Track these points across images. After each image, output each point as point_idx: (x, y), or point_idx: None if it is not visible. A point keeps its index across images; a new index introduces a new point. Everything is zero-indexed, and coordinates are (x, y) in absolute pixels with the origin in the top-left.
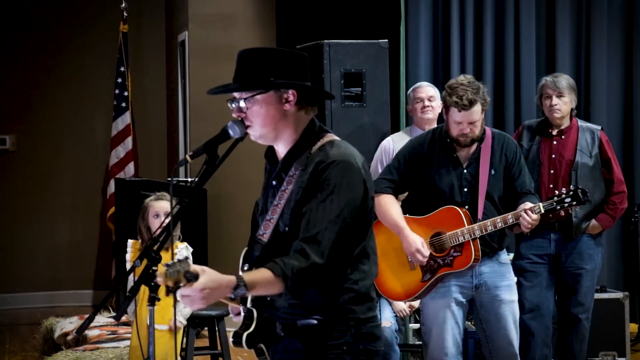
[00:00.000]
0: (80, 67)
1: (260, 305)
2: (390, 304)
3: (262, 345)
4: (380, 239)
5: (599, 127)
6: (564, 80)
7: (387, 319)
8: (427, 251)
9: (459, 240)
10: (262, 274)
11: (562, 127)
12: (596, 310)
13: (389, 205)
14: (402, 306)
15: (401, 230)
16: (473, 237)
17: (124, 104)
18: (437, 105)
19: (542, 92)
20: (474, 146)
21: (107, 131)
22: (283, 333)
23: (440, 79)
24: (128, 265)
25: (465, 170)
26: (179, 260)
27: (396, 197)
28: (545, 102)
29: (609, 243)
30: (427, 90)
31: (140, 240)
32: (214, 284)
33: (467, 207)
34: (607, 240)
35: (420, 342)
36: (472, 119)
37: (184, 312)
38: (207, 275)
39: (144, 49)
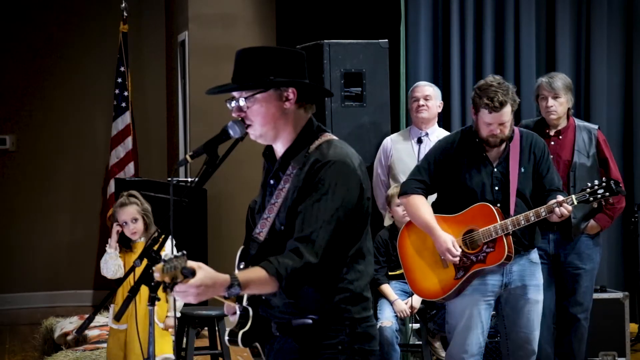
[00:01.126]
0: (80, 67)
1: (256, 304)
2: (391, 304)
3: (257, 344)
4: (413, 238)
5: (596, 127)
6: (560, 81)
7: (387, 318)
8: (458, 250)
9: (492, 236)
10: (256, 273)
11: (560, 127)
12: (596, 310)
13: (420, 206)
14: (403, 307)
15: (432, 230)
16: (506, 232)
17: (124, 104)
18: (435, 104)
19: (538, 92)
20: (503, 145)
21: (107, 131)
22: (278, 332)
23: (440, 79)
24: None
25: (495, 169)
26: (176, 256)
27: (426, 198)
28: (542, 103)
29: (609, 243)
30: (424, 89)
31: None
32: (210, 282)
33: (498, 205)
34: (607, 240)
35: (420, 342)
36: (502, 120)
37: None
38: (204, 272)
39: (144, 49)
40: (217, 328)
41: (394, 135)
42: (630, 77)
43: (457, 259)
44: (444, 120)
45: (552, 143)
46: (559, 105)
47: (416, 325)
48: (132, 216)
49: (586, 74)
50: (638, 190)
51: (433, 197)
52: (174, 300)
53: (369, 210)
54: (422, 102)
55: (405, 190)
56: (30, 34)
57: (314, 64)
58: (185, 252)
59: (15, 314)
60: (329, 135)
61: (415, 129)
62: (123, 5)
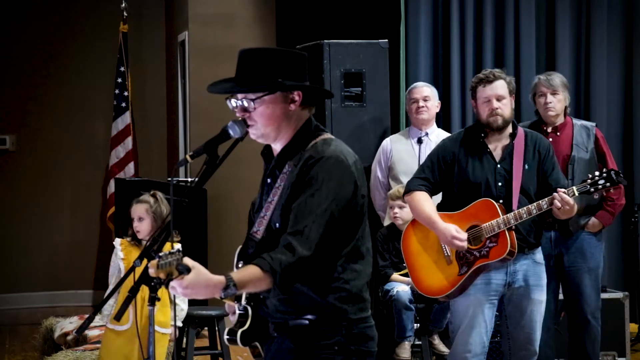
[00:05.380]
0: (81, 67)
1: (255, 303)
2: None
3: (257, 344)
4: (418, 237)
5: (594, 124)
6: (557, 78)
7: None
8: (464, 235)
9: (494, 231)
10: (251, 271)
11: (557, 124)
12: None
13: (422, 202)
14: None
15: (433, 223)
16: (509, 226)
17: (124, 104)
18: (433, 104)
19: (535, 90)
20: (507, 141)
21: (107, 131)
22: (275, 333)
23: (440, 79)
24: (121, 265)
25: (499, 165)
26: (171, 252)
27: (430, 195)
28: (540, 100)
29: (609, 243)
30: (422, 90)
31: (129, 239)
32: (201, 284)
33: (501, 201)
34: (607, 240)
35: (420, 342)
36: (498, 93)
37: (180, 315)
38: (195, 273)
39: (144, 49)
40: (217, 328)
41: (394, 136)
42: (630, 77)
43: (465, 244)
44: (443, 120)
45: (550, 140)
46: (557, 102)
47: (416, 325)
48: (138, 214)
49: (586, 74)
50: (638, 190)
51: (438, 198)
52: (174, 308)
53: (365, 208)
54: (421, 103)
55: (409, 188)
56: (30, 34)
57: (314, 64)
58: (180, 249)
59: (15, 314)
60: (326, 135)
61: (414, 130)
62: (123, 5)
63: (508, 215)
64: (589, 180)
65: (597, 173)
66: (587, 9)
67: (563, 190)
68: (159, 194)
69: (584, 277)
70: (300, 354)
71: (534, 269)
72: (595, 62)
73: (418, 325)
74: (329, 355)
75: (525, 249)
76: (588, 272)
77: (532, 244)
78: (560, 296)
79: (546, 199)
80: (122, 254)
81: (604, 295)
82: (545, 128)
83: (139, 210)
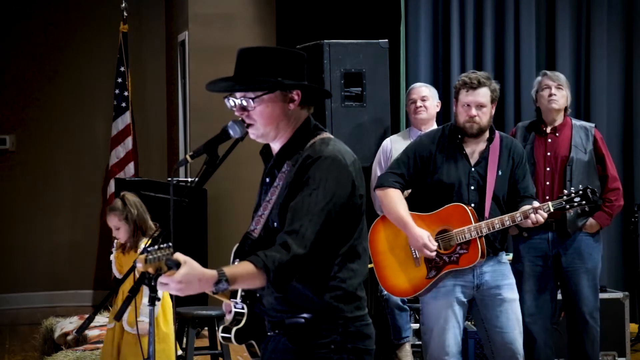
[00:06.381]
0: (80, 67)
1: (251, 301)
2: None
3: (253, 342)
4: (386, 233)
5: (593, 125)
6: (562, 76)
7: None
8: (434, 245)
9: (465, 238)
10: (244, 267)
11: (556, 124)
12: None
13: (396, 200)
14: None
15: (406, 225)
16: (480, 234)
17: (124, 104)
18: (432, 104)
19: (539, 85)
20: (483, 146)
21: (107, 131)
22: (272, 331)
23: (440, 79)
24: (117, 274)
25: (473, 169)
26: (160, 247)
27: (403, 192)
28: (543, 93)
29: (609, 243)
30: (420, 90)
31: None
32: (194, 277)
33: (473, 205)
34: (607, 240)
35: (421, 342)
36: (480, 101)
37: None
38: (188, 267)
39: (144, 49)
40: (217, 328)
41: (394, 137)
42: (630, 77)
43: (434, 254)
44: (443, 120)
45: (550, 141)
46: (561, 97)
47: (416, 325)
48: (113, 224)
49: (586, 74)
50: (638, 190)
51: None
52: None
53: (363, 208)
54: (419, 103)
55: (382, 183)
56: (30, 34)
57: (314, 64)
58: (170, 244)
59: (15, 314)
60: (325, 134)
61: (414, 130)
62: (123, 5)
63: (481, 223)
64: (565, 197)
65: (573, 190)
66: (587, 9)
67: (539, 205)
68: (127, 196)
69: (582, 278)
70: (297, 353)
71: (499, 268)
72: (595, 62)
73: (419, 325)
74: (326, 354)
75: (490, 253)
76: (586, 273)
77: (497, 249)
78: (560, 296)
79: (520, 211)
80: (116, 265)
81: (603, 295)
82: (544, 128)
83: (112, 220)
